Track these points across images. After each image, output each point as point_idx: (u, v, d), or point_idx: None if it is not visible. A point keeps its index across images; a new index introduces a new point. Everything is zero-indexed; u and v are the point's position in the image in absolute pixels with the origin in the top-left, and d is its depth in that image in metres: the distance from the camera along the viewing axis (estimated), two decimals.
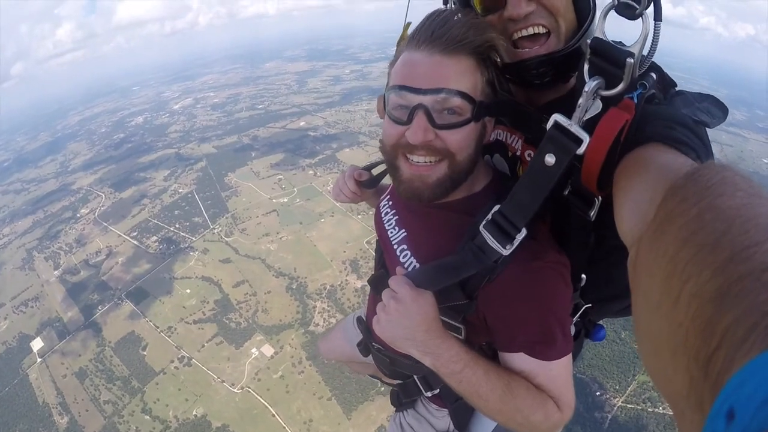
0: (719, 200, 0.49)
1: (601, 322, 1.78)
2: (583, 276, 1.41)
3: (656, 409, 34.68)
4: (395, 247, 1.49)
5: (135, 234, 62.14)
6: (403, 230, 1.50)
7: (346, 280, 50.70)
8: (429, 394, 1.72)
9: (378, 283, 1.59)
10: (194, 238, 59.58)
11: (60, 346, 46.69)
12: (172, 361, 43.01)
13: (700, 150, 0.97)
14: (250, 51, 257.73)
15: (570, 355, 1.28)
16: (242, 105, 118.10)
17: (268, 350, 43.65)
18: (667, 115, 1.05)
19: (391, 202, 1.61)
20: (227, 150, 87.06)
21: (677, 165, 0.85)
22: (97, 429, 38.22)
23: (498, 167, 1.53)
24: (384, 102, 1.31)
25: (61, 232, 66.24)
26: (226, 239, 59.02)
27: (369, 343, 1.85)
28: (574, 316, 1.53)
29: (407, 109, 1.20)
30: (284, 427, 37.35)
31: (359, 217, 60.36)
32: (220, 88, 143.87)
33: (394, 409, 2.11)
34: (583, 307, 1.54)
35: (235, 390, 40.32)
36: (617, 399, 35.21)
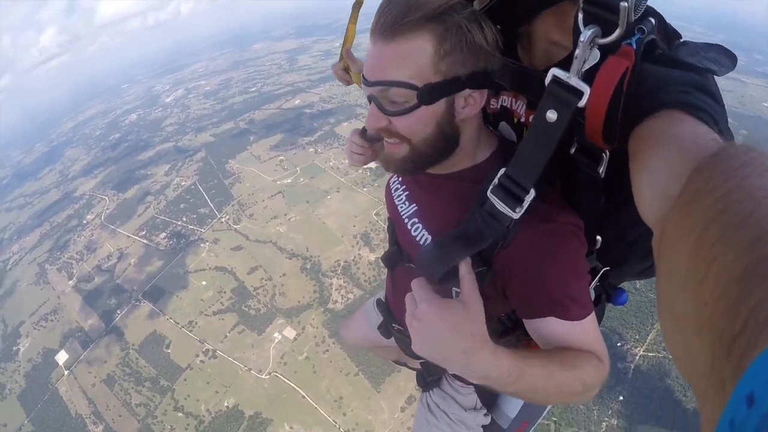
0: (746, 181, 0.49)
1: (622, 285, 1.71)
2: (598, 238, 1.34)
3: None
4: (406, 221, 1.49)
5: (143, 233, 60.89)
6: (414, 204, 1.50)
7: (359, 254, 49.76)
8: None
9: (392, 260, 1.64)
10: (203, 230, 58.40)
11: (85, 356, 46.08)
12: (197, 356, 42.60)
13: (717, 114, 0.95)
14: (237, 34, 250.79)
15: (594, 312, 1.26)
16: (235, 90, 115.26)
17: (290, 333, 43.22)
18: (681, 78, 1.04)
19: (400, 178, 1.60)
20: (225, 137, 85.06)
21: (700, 138, 0.84)
22: None
23: (505, 134, 1.48)
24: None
25: (70, 241, 64.95)
26: (235, 227, 57.80)
27: (389, 325, 1.85)
28: (593, 280, 1.46)
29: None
30: (316, 408, 37.22)
31: (365, 189, 59.21)
32: (211, 75, 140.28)
33: (421, 390, 2.08)
34: (602, 270, 1.47)
35: (263, 376, 40.02)
36: (638, 348, 34.86)
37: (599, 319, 1.68)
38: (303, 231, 54.88)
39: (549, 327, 1.24)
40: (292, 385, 38.92)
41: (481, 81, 1.21)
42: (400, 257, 1.59)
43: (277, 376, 39.74)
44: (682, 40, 1.28)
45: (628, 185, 1.06)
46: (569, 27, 1.09)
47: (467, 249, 1.18)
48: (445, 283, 1.23)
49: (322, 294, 46.38)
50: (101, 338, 47.29)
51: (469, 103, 1.23)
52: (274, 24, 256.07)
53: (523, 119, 1.44)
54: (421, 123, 1.21)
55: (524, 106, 1.43)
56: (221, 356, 42.17)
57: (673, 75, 1.05)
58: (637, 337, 35.02)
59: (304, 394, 38.21)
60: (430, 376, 1.94)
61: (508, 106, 1.49)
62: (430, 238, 1.40)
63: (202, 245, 55.81)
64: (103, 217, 68.10)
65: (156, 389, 40.66)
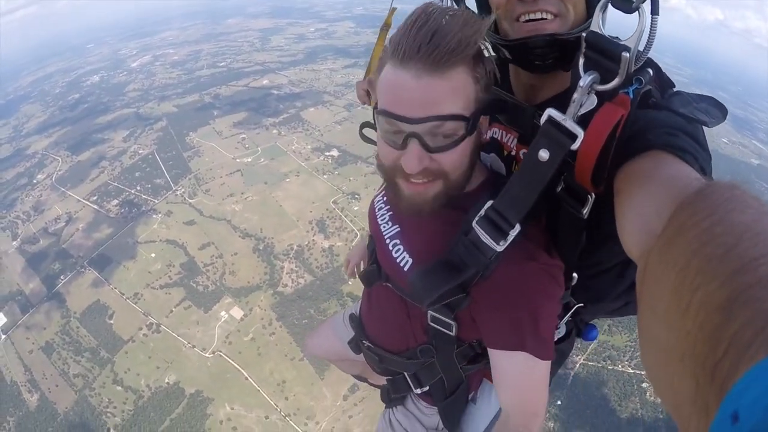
0: (730, 216, 0.50)
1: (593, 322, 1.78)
2: (575, 275, 1.37)
3: (615, 367, 36.21)
4: (388, 242, 1.49)
5: (95, 198, 58.01)
6: (396, 226, 1.50)
7: (313, 240, 49.21)
8: (419, 391, 1.72)
9: (370, 278, 1.66)
10: (156, 201, 56.19)
11: (24, 321, 43.61)
12: (141, 329, 41.06)
13: (702, 158, 0.98)
14: (211, 6, 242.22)
15: (549, 363, 1.30)
16: (203, 62, 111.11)
17: (237, 313, 42.30)
18: (670, 121, 1.06)
19: (385, 198, 1.60)
20: (188, 109, 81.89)
21: (684, 177, 0.85)
22: (68, 404, 36.28)
23: (494, 166, 1.52)
24: (373, 117, 1.27)
25: (17, 200, 60.93)
26: (190, 201, 55.97)
27: (360, 340, 1.84)
28: (565, 315, 1.53)
29: (400, 134, 1.17)
30: (258, 390, 36.60)
31: (325, 177, 58.61)
32: (180, 45, 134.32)
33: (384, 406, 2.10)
34: (575, 306, 1.51)
35: (207, 355, 39.03)
36: (579, 357, 36.32)
37: (567, 352, 1.84)
38: (259, 212, 53.78)
39: (502, 359, 1.31)
40: (236, 365, 38.16)
41: (493, 107, 1.24)
42: (378, 276, 1.59)
43: (221, 356, 38.88)
44: (675, 90, 1.27)
45: (608, 227, 1.07)
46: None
47: (453, 279, 1.20)
48: (432, 309, 1.32)
49: (272, 276, 45.62)
50: (42, 303, 44.90)
51: (485, 129, 1.28)
52: (250, 1, 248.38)
53: (513, 152, 1.47)
54: (464, 155, 1.20)
55: (515, 140, 1.46)
56: (165, 331, 40.87)
57: (660, 117, 1.07)
58: (578, 346, 35.41)
59: (247, 375, 37.55)
60: (395, 393, 1.91)
61: (499, 138, 1.52)
62: (411, 261, 1.40)
63: (154, 216, 53.78)
64: (54, 178, 64.33)
65: (95, 360, 38.97)
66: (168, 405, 35.70)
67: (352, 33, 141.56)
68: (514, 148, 1.47)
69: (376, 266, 1.61)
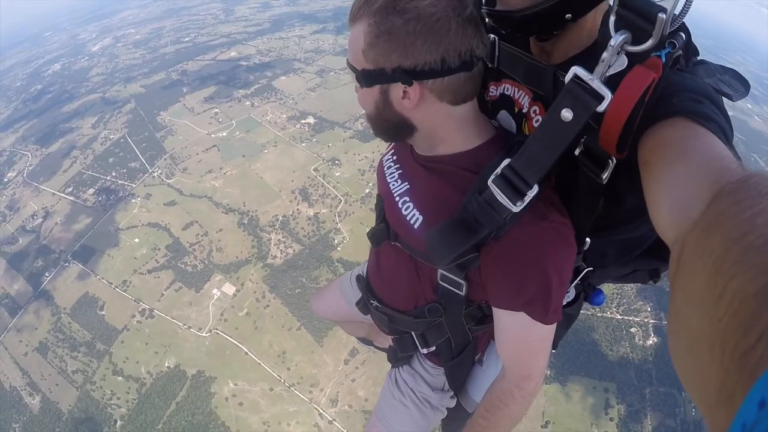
0: None
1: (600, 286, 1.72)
2: (588, 240, 1.32)
3: (604, 314, 36.61)
4: (398, 199, 1.46)
5: (70, 189, 55.02)
6: (406, 183, 1.46)
7: (298, 209, 47.57)
8: (425, 350, 1.71)
9: (378, 237, 1.63)
10: (134, 185, 53.51)
11: (14, 323, 41.58)
12: (134, 316, 39.54)
13: (726, 128, 0.94)
14: None
15: (554, 326, 1.29)
16: (167, 39, 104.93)
17: (229, 289, 40.98)
18: (695, 86, 1.01)
19: (395, 157, 1.57)
20: (156, 88, 77.48)
21: (719, 156, 0.81)
22: (71, 402, 35.04)
23: (504, 124, 1.45)
24: None
25: None
26: (168, 181, 53.37)
27: (368, 300, 1.82)
28: (574, 280, 1.49)
29: None
30: (259, 363, 35.88)
31: (303, 145, 56.40)
32: (141, 23, 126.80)
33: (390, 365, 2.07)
34: (584, 271, 1.47)
35: (203, 334, 37.95)
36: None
37: (575, 316, 1.79)
38: (239, 186, 51.70)
39: (510, 321, 1.29)
40: (234, 341, 37.20)
41: (408, 78, 1.16)
42: (386, 234, 1.56)
43: (218, 334, 37.83)
44: (699, 59, 1.23)
45: (627, 193, 1.11)
46: (596, 26, 1.07)
47: (469, 238, 1.17)
48: (448, 270, 1.30)
49: (260, 249, 44.14)
50: (30, 303, 42.86)
51: (408, 97, 1.20)
52: None
53: (525, 110, 1.39)
54: (364, 101, 1.28)
55: (528, 98, 1.38)
56: (159, 315, 39.48)
57: (686, 81, 1.02)
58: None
59: (246, 350, 36.67)
60: (401, 353, 1.86)
61: (510, 95, 1.45)
62: (421, 218, 1.36)
63: (133, 201, 51.26)
64: (25, 174, 60.74)
65: (92, 354, 37.56)
66: (171, 389, 34.89)
67: None
68: (526, 105, 1.38)
69: (384, 225, 1.56)
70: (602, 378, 33.09)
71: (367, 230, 1.68)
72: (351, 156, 54.62)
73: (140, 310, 39.97)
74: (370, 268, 1.86)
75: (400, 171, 1.50)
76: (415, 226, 1.36)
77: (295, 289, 40.10)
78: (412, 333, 1.68)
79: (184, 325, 38.55)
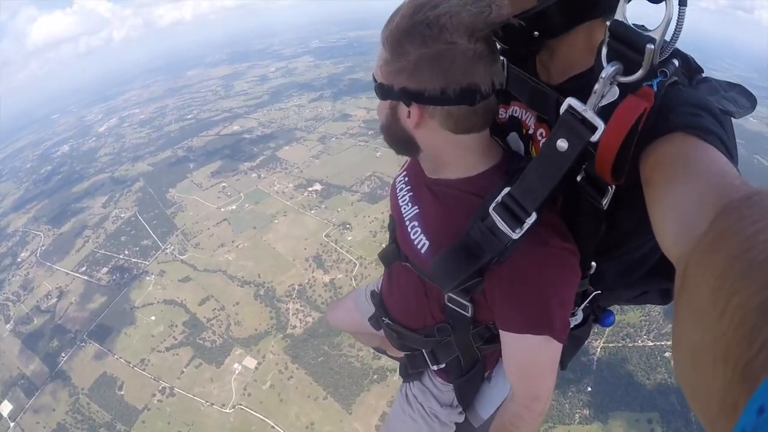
0: None
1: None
2: (593, 264, 1.34)
3: (635, 343, 35.80)
4: (407, 223, 1.50)
5: (83, 269, 55.47)
6: (416, 207, 1.50)
7: (313, 276, 47.78)
8: (435, 367, 1.73)
9: (389, 257, 1.69)
10: (147, 262, 54.04)
11: (30, 404, 40.74)
12: (154, 395, 38.76)
13: (727, 141, 0.92)
14: (170, 61, 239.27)
15: (560, 347, 1.30)
16: (170, 117, 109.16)
17: (250, 362, 40.38)
18: (693, 100, 1.00)
19: (407, 179, 1.60)
20: (163, 165, 79.92)
21: (722, 172, 0.80)
22: None
23: (513, 146, 1.48)
24: None
25: (4, 281, 57.86)
26: (181, 257, 54.01)
27: (380, 317, 1.84)
28: (583, 302, 1.51)
29: None
30: None
31: (312, 212, 57.48)
32: (145, 103, 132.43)
33: (402, 380, 2.12)
34: (593, 294, 1.49)
35: (227, 410, 37.01)
36: (598, 341, 35.85)
37: (584, 338, 1.79)
38: (253, 257, 52.26)
39: (516, 343, 1.30)
40: (260, 416, 36.25)
41: (408, 99, 1.22)
42: (397, 255, 1.60)
43: (242, 409, 36.94)
44: (703, 76, 1.25)
45: (625, 217, 1.14)
46: (593, 46, 1.08)
47: (472, 264, 1.22)
48: (454, 293, 1.33)
49: (279, 320, 43.96)
50: (46, 384, 42.01)
51: (411, 116, 1.25)
52: (206, 51, 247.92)
53: (531, 131, 1.42)
54: (379, 111, 1.34)
55: (533, 118, 1.41)
56: (180, 393, 38.72)
57: (683, 96, 1.01)
58: (596, 330, 35.71)
59: (273, 424, 35.65)
60: (412, 369, 1.90)
61: (519, 117, 1.48)
62: (428, 243, 1.39)
63: (147, 278, 51.60)
64: (38, 254, 61.32)
65: None
66: None
67: (313, 67, 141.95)
68: (533, 126, 1.41)
69: (395, 246, 1.62)
70: (643, 409, 31.98)
71: (379, 251, 1.74)
72: (361, 219, 55.26)
73: (160, 388, 39.30)
74: (383, 285, 1.90)
75: (411, 194, 1.54)
76: (422, 251, 1.40)
77: (318, 357, 39.55)
78: (422, 350, 1.73)
79: (207, 402, 37.76)
